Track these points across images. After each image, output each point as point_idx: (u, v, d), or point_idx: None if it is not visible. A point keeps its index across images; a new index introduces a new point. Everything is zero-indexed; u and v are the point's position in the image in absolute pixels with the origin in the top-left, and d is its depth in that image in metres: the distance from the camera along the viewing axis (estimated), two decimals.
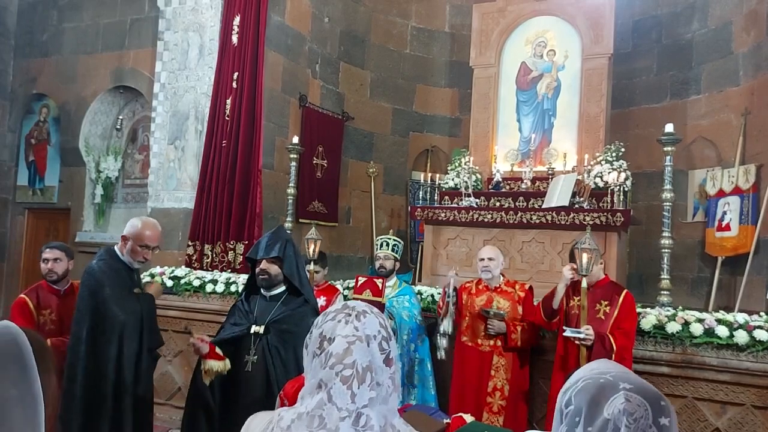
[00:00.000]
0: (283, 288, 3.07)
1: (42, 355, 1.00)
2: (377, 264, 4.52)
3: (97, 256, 3.36)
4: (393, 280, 4.46)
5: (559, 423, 1.11)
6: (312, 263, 4.36)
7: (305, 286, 3.08)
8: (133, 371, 3.17)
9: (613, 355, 3.39)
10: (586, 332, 3.40)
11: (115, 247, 3.38)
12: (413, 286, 4.81)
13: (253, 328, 2.96)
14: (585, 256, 3.46)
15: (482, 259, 4.14)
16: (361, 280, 4.29)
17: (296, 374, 2.74)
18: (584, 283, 3.48)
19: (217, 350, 2.91)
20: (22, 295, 3.81)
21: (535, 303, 4.15)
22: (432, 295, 4.71)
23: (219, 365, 2.87)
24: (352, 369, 1.16)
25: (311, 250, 4.38)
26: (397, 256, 4.53)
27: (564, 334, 3.48)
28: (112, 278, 3.23)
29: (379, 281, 4.18)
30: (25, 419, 0.92)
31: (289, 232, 4.82)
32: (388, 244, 4.50)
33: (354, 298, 4.17)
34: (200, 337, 2.93)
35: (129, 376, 3.15)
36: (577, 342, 3.47)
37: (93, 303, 3.16)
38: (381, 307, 4.09)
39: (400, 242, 4.62)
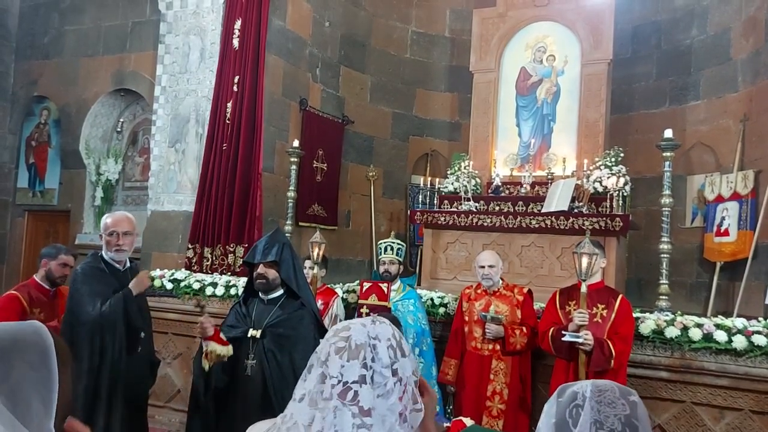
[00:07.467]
0: (281, 291, 3.04)
1: (60, 351, 1.11)
2: (382, 269, 4.47)
3: (83, 260, 3.42)
4: (397, 284, 4.45)
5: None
6: (316, 266, 4.36)
7: (303, 289, 3.04)
8: (109, 369, 3.18)
9: (613, 361, 3.39)
10: (585, 337, 3.38)
11: (102, 251, 3.42)
12: (417, 290, 4.78)
13: (251, 332, 2.93)
14: (585, 261, 3.45)
15: (482, 267, 4.13)
16: (367, 285, 4.29)
17: (292, 378, 2.73)
18: (584, 288, 3.47)
19: (222, 335, 2.87)
20: (14, 291, 3.76)
21: (536, 307, 4.17)
22: (432, 299, 4.71)
23: (222, 349, 2.80)
24: (346, 342, 1.11)
25: (315, 254, 4.34)
26: (400, 259, 4.51)
27: (563, 338, 3.45)
28: (90, 278, 3.27)
29: (384, 286, 4.18)
30: (40, 400, 1.03)
31: (288, 235, 4.84)
32: (392, 248, 4.46)
33: (360, 304, 4.18)
34: (209, 319, 2.87)
35: (111, 373, 3.17)
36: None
37: (70, 303, 3.27)
38: (387, 311, 4.10)
39: (402, 245, 4.60)
